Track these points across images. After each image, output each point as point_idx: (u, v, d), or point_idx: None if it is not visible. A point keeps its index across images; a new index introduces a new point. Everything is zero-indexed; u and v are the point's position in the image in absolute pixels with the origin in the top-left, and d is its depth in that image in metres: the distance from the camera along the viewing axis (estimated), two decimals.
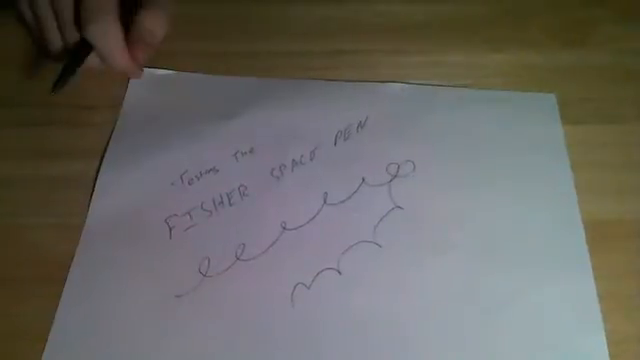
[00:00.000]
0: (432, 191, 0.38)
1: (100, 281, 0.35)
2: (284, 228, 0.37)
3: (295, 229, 0.37)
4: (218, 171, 0.39)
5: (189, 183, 0.39)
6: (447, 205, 0.37)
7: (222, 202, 0.38)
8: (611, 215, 0.37)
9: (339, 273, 0.35)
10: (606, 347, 0.32)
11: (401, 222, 0.37)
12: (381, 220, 0.37)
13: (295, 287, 0.35)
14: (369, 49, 0.45)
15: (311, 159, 0.40)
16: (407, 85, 0.43)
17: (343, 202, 0.38)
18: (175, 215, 0.37)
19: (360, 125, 0.41)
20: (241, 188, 0.38)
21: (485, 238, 0.36)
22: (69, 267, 0.35)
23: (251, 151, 0.40)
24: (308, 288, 0.34)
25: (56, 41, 0.42)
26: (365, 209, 0.37)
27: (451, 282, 0.34)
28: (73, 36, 0.41)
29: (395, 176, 0.38)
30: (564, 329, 0.33)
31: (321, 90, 0.43)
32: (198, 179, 0.39)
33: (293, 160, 0.40)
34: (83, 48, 0.40)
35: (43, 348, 0.33)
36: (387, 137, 0.40)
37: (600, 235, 0.36)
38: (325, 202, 0.38)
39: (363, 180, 0.38)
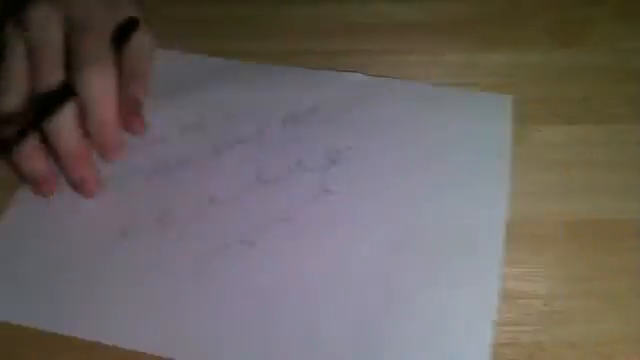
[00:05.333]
0: (365, 180, 0.38)
1: (26, 238, 0.37)
2: (211, 200, 0.38)
3: (221, 202, 0.38)
4: (164, 141, 0.41)
5: (136, 149, 0.40)
6: (377, 194, 0.38)
7: (160, 170, 0.39)
8: (606, 215, 0.36)
9: (251, 247, 0.36)
10: (488, 354, 0.31)
11: (326, 206, 0.37)
12: (307, 202, 0.38)
13: (206, 254, 0.35)
14: (365, 49, 0.45)
15: (256, 138, 0.41)
16: (365, 76, 0.43)
17: (275, 181, 0.39)
18: (111, 176, 0.39)
19: (311, 110, 0.42)
20: (181, 159, 0.40)
21: (407, 230, 0.36)
22: None
23: (199, 126, 0.41)
24: (218, 257, 0.35)
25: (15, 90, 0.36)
26: (294, 190, 0.38)
27: (365, 268, 0.35)
28: (50, 80, 0.36)
29: (333, 162, 0.39)
30: (454, 330, 0.32)
31: (280, 74, 0.44)
32: (147, 146, 0.40)
33: (238, 138, 0.41)
34: (58, 97, 0.35)
35: None
36: (334, 124, 0.41)
37: (595, 234, 0.35)
38: (257, 179, 0.39)
39: (300, 162, 0.39)
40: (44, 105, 0.35)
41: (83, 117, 0.36)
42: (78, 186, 0.37)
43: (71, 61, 0.36)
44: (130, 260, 0.35)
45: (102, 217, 0.37)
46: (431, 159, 0.39)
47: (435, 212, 0.37)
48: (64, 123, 0.36)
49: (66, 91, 0.36)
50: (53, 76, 0.36)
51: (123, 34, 0.39)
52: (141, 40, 0.41)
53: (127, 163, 0.39)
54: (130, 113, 0.39)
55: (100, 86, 0.36)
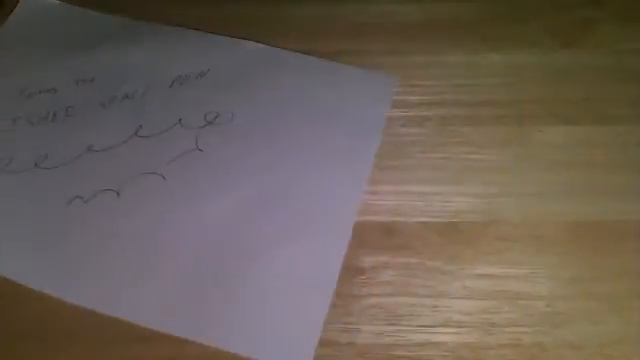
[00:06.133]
0: (239, 143, 0.40)
1: None
2: (89, 149, 0.40)
3: (98, 151, 0.40)
4: (56, 92, 0.43)
5: (27, 97, 0.43)
6: (244, 157, 0.39)
7: (47, 117, 0.41)
8: (607, 216, 0.36)
9: (117, 195, 0.37)
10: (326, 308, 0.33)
11: (195, 163, 0.39)
12: (177, 157, 0.39)
13: (73, 199, 0.37)
14: (367, 49, 0.45)
15: (142, 95, 0.43)
16: (259, 45, 0.45)
17: (151, 137, 0.40)
18: (1, 119, 0.41)
19: (201, 74, 0.44)
20: (69, 109, 0.42)
21: (264, 193, 0.37)
22: None
23: (92, 80, 0.44)
24: (85, 202, 0.37)
25: None
26: (168, 145, 0.40)
27: (220, 222, 0.36)
28: None
29: (210, 123, 0.41)
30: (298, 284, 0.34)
31: (177, 37, 0.46)
32: (38, 94, 0.43)
33: (126, 93, 0.43)
34: None
35: None
36: (220, 88, 0.43)
37: (595, 236, 0.35)
38: (136, 134, 0.40)
39: (179, 121, 0.41)
40: None
41: None
42: None
43: None
44: (10, 196, 0.37)
45: None
46: (307, 131, 0.40)
47: (295, 184, 0.38)
48: None
49: None
50: None
51: None
52: None
53: (15, 110, 0.42)
54: None
55: None
